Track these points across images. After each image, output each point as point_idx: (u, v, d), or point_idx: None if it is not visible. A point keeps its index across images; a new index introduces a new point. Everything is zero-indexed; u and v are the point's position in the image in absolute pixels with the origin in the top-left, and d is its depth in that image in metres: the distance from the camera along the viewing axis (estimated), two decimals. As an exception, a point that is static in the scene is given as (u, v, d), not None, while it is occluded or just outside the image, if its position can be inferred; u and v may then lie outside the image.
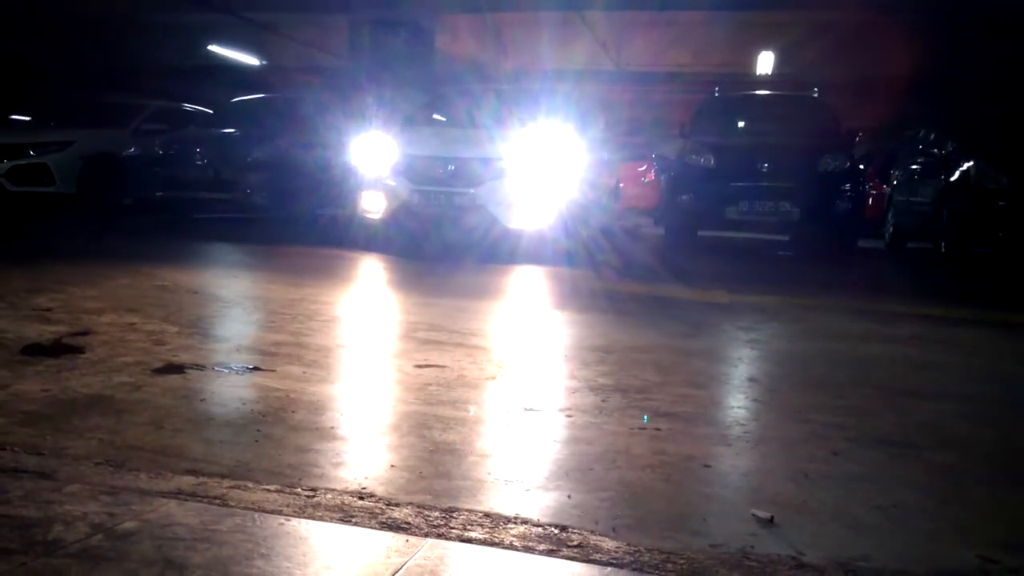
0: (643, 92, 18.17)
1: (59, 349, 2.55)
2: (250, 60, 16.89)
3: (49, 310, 3.20)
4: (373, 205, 6.54)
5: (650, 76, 17.69)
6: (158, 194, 8.89)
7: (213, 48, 16.02)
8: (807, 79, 11.30)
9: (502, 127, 6.64)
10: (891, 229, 10.02)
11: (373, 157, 6.64)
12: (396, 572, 1.25)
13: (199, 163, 8.62)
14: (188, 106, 11.04)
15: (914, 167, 9.13)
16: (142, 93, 11.54)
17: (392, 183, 6.41)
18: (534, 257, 6.13)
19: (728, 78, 14.19)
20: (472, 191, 6.19)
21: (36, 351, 2.51)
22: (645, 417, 2.11)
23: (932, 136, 8.85)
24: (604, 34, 15.71)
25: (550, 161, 6.34)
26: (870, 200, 11.09)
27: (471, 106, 7.11)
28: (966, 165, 7.31)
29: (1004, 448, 2.05)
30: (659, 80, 17.73)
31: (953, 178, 7.52)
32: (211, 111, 10.77)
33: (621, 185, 9.89)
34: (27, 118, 10.93)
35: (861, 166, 8.01)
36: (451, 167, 6.28)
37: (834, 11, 14.20)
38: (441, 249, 6.35)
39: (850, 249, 8.00)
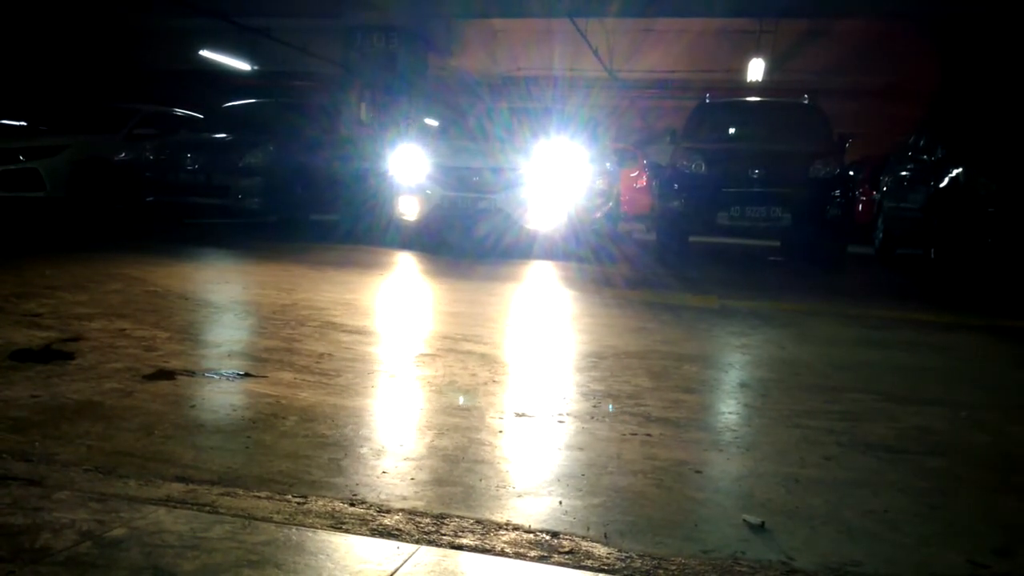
0: (635, 99, 18.25)
1: (49, 355, 2.54)
2: (242, 65, 16.86)
3: (39, 315, 3.18)
4: (408, 208, 7.36)
5: (642, 83, 17.76)
6: (149, 199, 8.86)
7: (205, 53, 15.99)
8: (808, 86, 11.36)
9: (520, 141, 7.52)
10: (881, 235, 10.07)
11: (408, 167, 7.43)
12: (387, 579, 1.24)
13: (191, 168, 8.59)
14: (179, 111, 11.02)
15: (904, 173, 9.18)
16: (134, 98, 11.51)
17: (425, 190, 7.24)
18: (545, 254, 6.95)
19: (720, 85, 14.26)
20: (494, 197, 7.03)
21: (26, 357, 2.50)
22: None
23: (922, 142, 8.90)
24: (597, 41, 15.76)
25: (561, 171, 7.17)
26: (860, 206, 11.15)
27: (492, 122, 8.01)
28: (955, 171, 7.36)
29: (995, 453, 2.06)
30: (651, 87, 17.81)
31: (943, 184, 7.56)
32: (202, 116, 10.76)
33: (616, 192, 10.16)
34: (18, 123, 10.89)
35: (851, 172, 8.06)
36: (476, 176, 7.12)
37: (826, 18, 14.31)
38: (467, 246, 7.07)
39: (840, 255, 8.04)
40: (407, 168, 7.45)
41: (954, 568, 1.37)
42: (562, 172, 7.20)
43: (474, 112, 8.70)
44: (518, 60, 17.34)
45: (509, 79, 17.47)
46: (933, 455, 1.98)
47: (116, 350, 2.67)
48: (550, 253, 7.02)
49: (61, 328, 2.96)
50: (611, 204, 9.18)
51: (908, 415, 2.34)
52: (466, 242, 7.16)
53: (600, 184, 8.43)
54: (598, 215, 8.38)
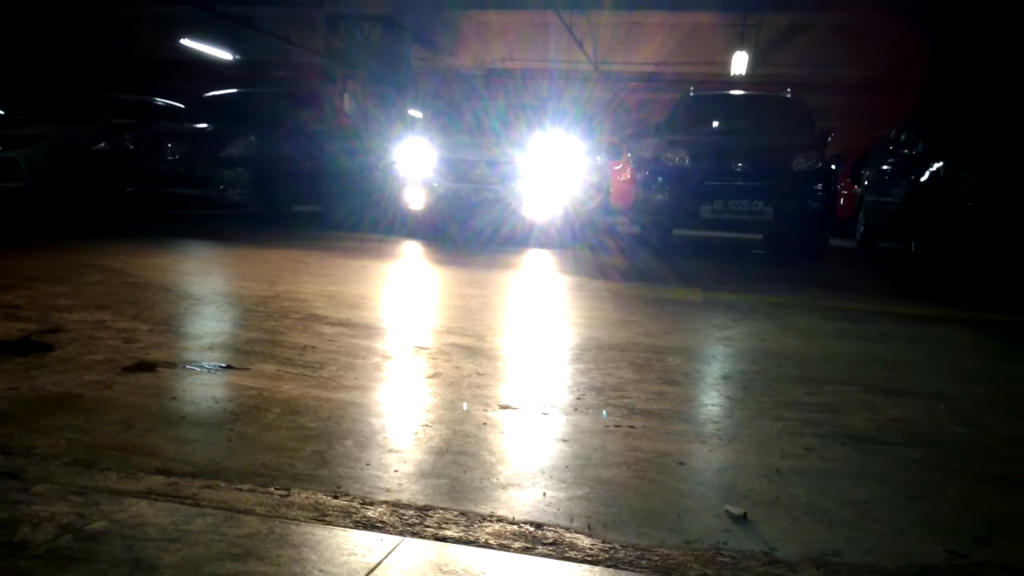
0: (621, 92, 18.25)
1: (28, 347, 2.51)
2: (224, 55, 16.70)
3: (17, 307, 3.14)
4: (414, 199, 7.77)
5: (628, 76, 17.77)
6: (129, 189, 8.77)
7: (186, 42, 15.81)
8: (792, 80, 11.40)
9: (517, 134, 7.89)
10: (862, 228, 10.17)
11: (413, 159, 7.79)
12: (370, 571, 1.24)
13: (171, 158, 8.51)
14: (160, 101, 10.91)
15: (885, 167, 9.26)
16: (114, 87, 11.38)
17: (432, 182, 7.67)
18: (540, 243, 7.41)
19: (705, 79, 14.30)
20: (494, 188, 7.45)
21: (4, 349, 2.47)
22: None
23: (902, 137, 8.98)
24: (583, 34, 15.73)
25: (556, 164, 7.57)
26: (842, 200, 11.23)
27: (488, 115, 8.39)
28: (936, 166, 7.43)
29: (973, 444, 2.08)
30: (636, 80, 17.82)
31: (923, 179, 7.64)
32: (183, 106, 10.66)
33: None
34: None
35: (833, 166, 8.12)
36: (476, 169, 7.54)
37: (813, 11, 14.37)
38: (467, 235, 7.48)
39: (822, 248, 8.11)
40: (413, 160, 7.78)
41: (933, 557, 1.39)
42: (558, 165, 7.55)
43: (469, 105, 8.89)
44: (504, 52, 17.29)
45: (495, 71, 17.43)
46: (912, 446, 2.00)
47: (96, 342, 2.64)
48: (545, 242, 7.38)
49: (40, 320, 2.93)
50: (602, 196, 9.47)
51: (888, 406, 2.37)
52: (466, 231, 7.49)
53: (594, 177, 8.70)
54: (591, 206, 8.64)
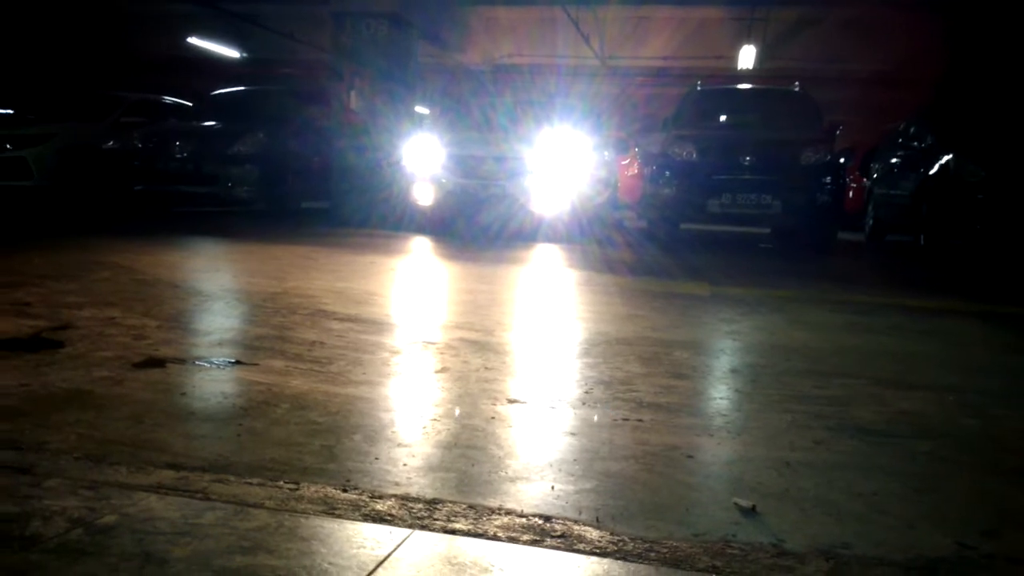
0: (628, 87, 18.20)
1: (38, 343, 2.53)
2: (231, 52, 16.74)
3: (28, 304, 3.16)
4: (423, 195, 7.83)
5: (635, 71, 17.72)
6: (137, 187, 8.80)
7: (193, 40, 15.85)
8: (799, 73, 11.36)
9: (525, 130, 7.98)
10: (871, 222, 10.12)
11: (422, 156, 7.86)
12: (380, 564, 1.24)
13: (179, 156, 8.54)
14: (168, 99, 10.95)
15: (894, 160, 9.21)
16: (122, 85, 11.42)
17: (440, 178, 7.73)
18: (548, 238, 7.48)
19: (713, 73, 14.25)
20: (502, 183, 7.50)
21: (15, 346, 2.48)
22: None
23: (911, 130, 8.93)
24: (589, 29, 15.68)
25: (564, 160, 7.60)
26: (850, 193, 11.18)
27: (501, 113, 8.46)
28: (945, 158, 7.38)
29: (983, 437, 2.07)
30: (643, 75, 17.77)
31: (932, 171, 7.59)
32: (191, 104, 10.69)
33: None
34: (4, 111, 10.79)
35: (842, 159, 8.08)
36: (486, 165, 7.60)
37: (822, 6, 14.31)
38: (475, 231, 7.55)
39: (830, 242, 8.07)
40: (421, 157, 7.84)
41: (942, 549, 1.39)
42: (566, 160, 7.60)
43: (477, 101, 8.93)
44: (512, 48, 17.27)
45: (503, 67, 17.41)
46: (921, 439, 2.00)
47: (106, 338, 2.66)
48: (553, 237, 7.46)
49: (50, 317, 2.95)
50: (610, 191, 9.50)
51: (897, 399, 2.36)
52: (474, 227, 7.56)
53: (601, 172, 8.71)
54: (599, 201, 8.68)
